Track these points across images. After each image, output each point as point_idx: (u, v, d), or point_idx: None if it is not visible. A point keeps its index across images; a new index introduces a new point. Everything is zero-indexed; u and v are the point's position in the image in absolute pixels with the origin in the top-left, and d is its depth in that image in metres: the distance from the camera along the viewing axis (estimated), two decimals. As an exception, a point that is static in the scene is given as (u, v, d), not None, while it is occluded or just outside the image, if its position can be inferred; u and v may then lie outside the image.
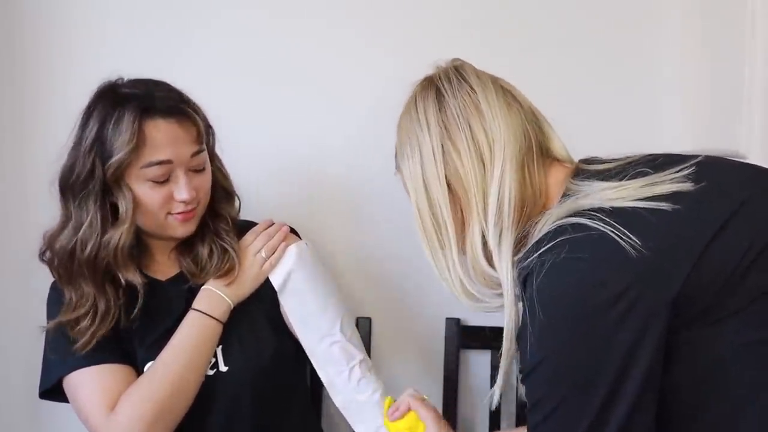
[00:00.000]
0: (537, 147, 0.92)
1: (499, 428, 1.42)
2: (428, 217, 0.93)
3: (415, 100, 0.96)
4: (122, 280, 1.09)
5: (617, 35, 1.41)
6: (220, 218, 1.18)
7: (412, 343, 1.49)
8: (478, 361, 1.47)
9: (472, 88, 0.93)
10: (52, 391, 1.13)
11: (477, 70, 0.97)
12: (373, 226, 1.45)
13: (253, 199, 1.30)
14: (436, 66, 0.99)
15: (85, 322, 1.08)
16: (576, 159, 0.97)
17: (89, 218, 1.06)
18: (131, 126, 1.02)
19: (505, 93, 0.94)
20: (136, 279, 1.09)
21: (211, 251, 1.15)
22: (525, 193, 0.90)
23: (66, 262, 1.08)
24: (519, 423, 1.41)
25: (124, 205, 1.06)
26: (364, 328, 1.42)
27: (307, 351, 1.18)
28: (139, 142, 1.03)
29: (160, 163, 1.05)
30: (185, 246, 1.17)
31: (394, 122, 1.02)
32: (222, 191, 1.19)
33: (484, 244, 0.91)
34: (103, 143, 1.04)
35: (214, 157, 1.18)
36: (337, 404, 1.18)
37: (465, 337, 1.44)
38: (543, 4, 1.42)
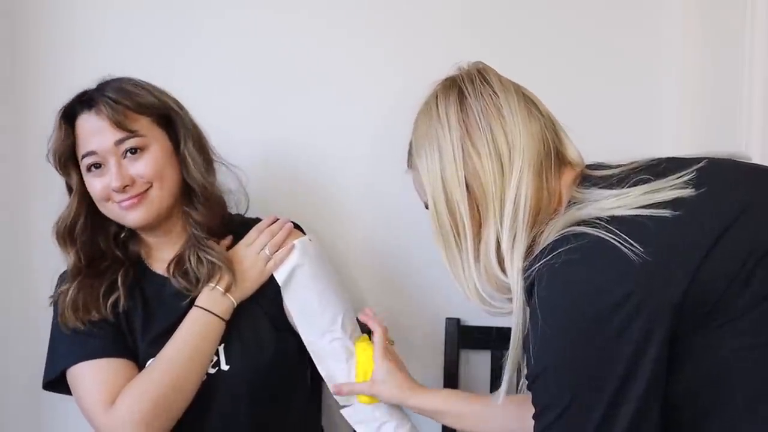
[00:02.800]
0: (554, 153, 0.93)
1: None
2: (446, 216, 0.93)
3: (437, 100, 0.96)
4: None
5: (617, 35, 1.41)
6: (192, 226, 1.16)
7: (412, 343, 1.49)
8: (478, 361, 1.47)
9: (494, 92, 0.93)
10: (56, 383, 1.14)
11: (499, 74, 0.98)
12: (374, 225, 1.45)
13: (257, 197, 1.30)
14: (459, 67, 0.99)
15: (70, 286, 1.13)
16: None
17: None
18: (60, 127, 1.12)
19: (527, 99, 0.95)
20: (71, 260, 1.14)
21: (199, 260, 1.14)
22: (540, 198, 0.90)
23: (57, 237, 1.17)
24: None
25: (73, 185, 1.14)
26: (363, 328, 1.41)
27: (307, 346, 1.18)
28: (73, 137, 1.12)
29: (88, 154, 1.10)
30: (176, 263, 1.16)
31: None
32: (189, 190, 1.16)
33: (497, 247, 0.90)
34: (50, 150, 1.14)
35: (185, 149, 1.15)
36: (338, 400, 1.18)
37: (465, 337, 1.43)
38: (544, 5, 1.42)
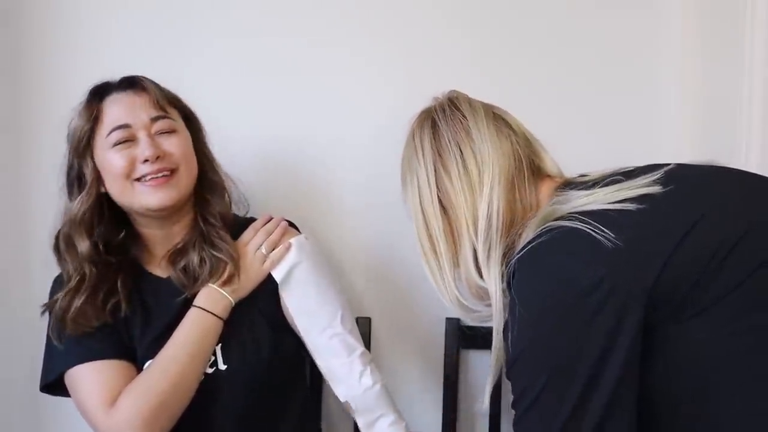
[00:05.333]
0: (528, 167, 0.97)
1: (499, 430, 1.42)
2: (426, 238, 0.99)
3: (413, 133, 1.03)
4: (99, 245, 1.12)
5: (616, 36, 1.42)
6: (209, 215, 1.17)
7: (412, 343, 1.49)
8: (478, 361, 1.47)
9: (463, 115, 0.99)
10: (53, 385, 1.14)
11: (471, 99, 1.03)
12: (374, 225, 1.45)
13: (253, 197, 1.30)
14: (434, 98, 1.05)
15: (68, 295, 1.11)
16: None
17: (73, 201, 1.13)
18: (88, 104, 1.12)
19: (496, 118, 1.00)
20: (85, 247, 1.11)
21: (201, 260, 1.14)
22: (514, 210, 0.95)
23: (57, 244, 1.14)
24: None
25: (87, 174, 1.11)
26: (364, 328, 1.42)
27: (307, 343, 1.19)
28: (98, 116, 1.11)
29: (120, 127, 1.10)
30: (177, 254, 1.16)
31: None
32: (209, 182, 1.19)
33: (475, 258, 0.95)
34: (71, 130, 1.13)
35: (202, 147, 1.20)
36: (339, 396, 1.19)
37: (465, 337, 1.43)
38: (543, 6, 1.42)
